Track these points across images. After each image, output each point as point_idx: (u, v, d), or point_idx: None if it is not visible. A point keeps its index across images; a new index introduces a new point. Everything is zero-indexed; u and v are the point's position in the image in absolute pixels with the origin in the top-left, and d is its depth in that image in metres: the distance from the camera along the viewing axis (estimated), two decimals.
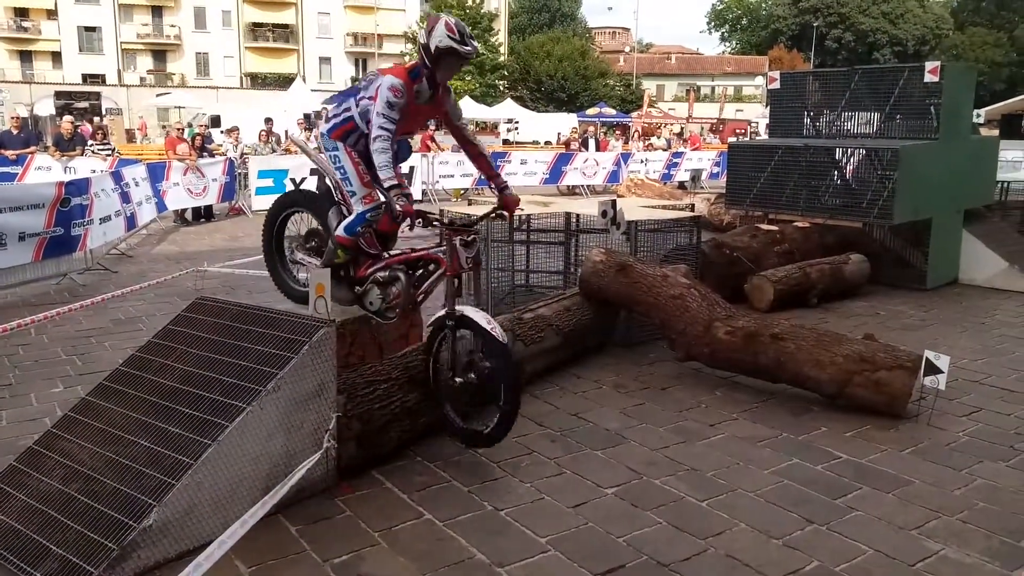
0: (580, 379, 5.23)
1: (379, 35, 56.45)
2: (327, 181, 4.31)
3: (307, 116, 25.69)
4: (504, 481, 3.70)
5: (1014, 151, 20.40)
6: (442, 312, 3.88)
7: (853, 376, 4.50)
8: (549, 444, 4.15)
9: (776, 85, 9.48)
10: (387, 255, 4.21)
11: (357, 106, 4.02)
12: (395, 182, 3.79)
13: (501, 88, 54.11)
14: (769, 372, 4.85)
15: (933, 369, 4.38)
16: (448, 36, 3.74)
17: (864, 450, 4.09)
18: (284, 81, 46.97)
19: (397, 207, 3.77)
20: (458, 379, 3.77)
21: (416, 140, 19.30)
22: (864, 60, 62.93)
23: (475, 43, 3.87)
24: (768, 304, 6.93)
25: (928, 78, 7.92)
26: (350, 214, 4.09)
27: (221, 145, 15.84)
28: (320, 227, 4.36)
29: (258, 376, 3.31)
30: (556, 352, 5.32)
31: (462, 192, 16.54)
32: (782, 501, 3.54)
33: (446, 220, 4.26)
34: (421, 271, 4.12)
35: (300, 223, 4.63)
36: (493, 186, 4.39)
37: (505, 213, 4.43)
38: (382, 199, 4.01)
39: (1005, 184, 12.29)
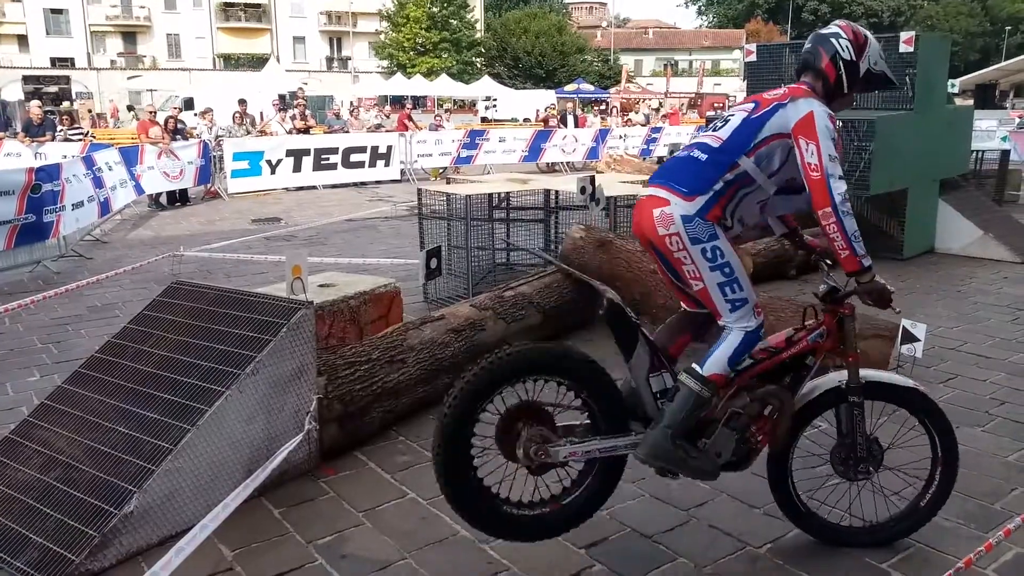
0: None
1: (353, 13, 55.75)
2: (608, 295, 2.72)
3: (282, 97, 25.38)
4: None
5: (988, 120, 20.59)
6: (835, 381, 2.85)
7: None
8: None
9: (753, 58, 9.46)
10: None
11: (750, 156, 2.60)
12: (870, 262, 2.61)
13: (478, 65, 53.73)
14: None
15: (910, 337, 4.42)
16: (882, 59, 2.77)
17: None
18: (258, 62, 46.33)
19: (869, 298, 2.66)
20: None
21: (393, 119, 19.17)
22: None
23: None
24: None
25: (903, 48, 7.93)
26: (715, 335, 2.68)
27: (195, 128, 15.61)
28: (586, 400, 2.67)
29: (236, 360, 3.28)
30: (538, 329, 5.31)
31: (441, 171, 16.44)
32: (763, 470, 3.57)
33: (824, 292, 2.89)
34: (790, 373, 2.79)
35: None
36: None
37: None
38: None
39: (980, 153, 12.42)
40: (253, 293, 3.77)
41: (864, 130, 7.64)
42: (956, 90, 24.67)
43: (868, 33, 2.76)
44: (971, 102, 24.04)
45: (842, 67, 2.68)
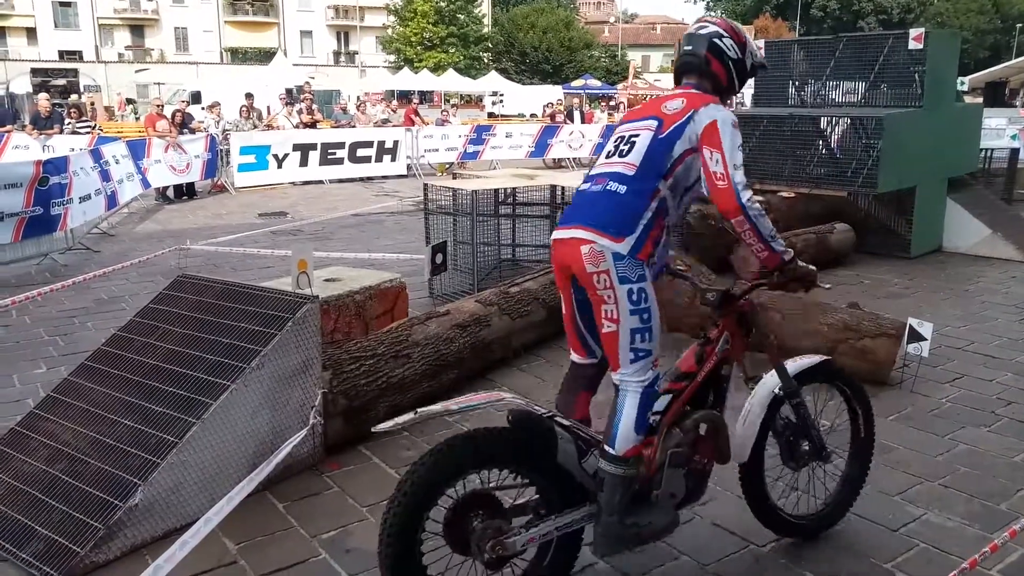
0: (567, 351, 5.22)
1: (361, 8, 55.70)
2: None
3: (288, 91, 25.37)
4: None
5: (997, 119, 20.44)
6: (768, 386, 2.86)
7: (838, 344, 4.52)
8: None
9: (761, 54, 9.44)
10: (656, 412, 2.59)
11: (668, 179, 2.49)
12: (790, 252, 2.58)
13: (485, 60, 53.64)
14: (755, 342, 4.85)
15: (916, 336, 4.41)
16: (759, 50, 2.79)
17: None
18: (265, 55, 46.31)
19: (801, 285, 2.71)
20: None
21: (400, 114, 19.16)
22: (849, 28, 62.69)
23: None
24: (754, 274, 6.93)
25: (912, 45, 7.89)
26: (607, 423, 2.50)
27: (203, 122, 15.62)
28: (535, 481, 2.49)
29: (242, 353, 3.29)
30: (543, 325, 5.31)
31: (447, 166, 16.43)
32: (768, 469, 3.56)
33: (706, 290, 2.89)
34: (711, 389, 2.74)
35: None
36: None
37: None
38: None
39: (989, 152, 12.34)
40: (259, 287, 3.78)
41: (872, 128, 7.60)
42: (965, 88, 24.52)
43: (738, 26, 2.72)
44: (980, 100, 23.89)
45: (732, 67, 2.65)
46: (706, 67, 2.63)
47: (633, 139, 2.53)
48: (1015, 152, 12.47)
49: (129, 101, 32.30)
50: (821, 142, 8.43)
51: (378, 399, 3.82)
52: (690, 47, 2.66)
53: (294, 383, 3.41)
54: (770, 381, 2.84)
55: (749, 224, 2.43)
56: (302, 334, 3.42)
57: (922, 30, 8.03)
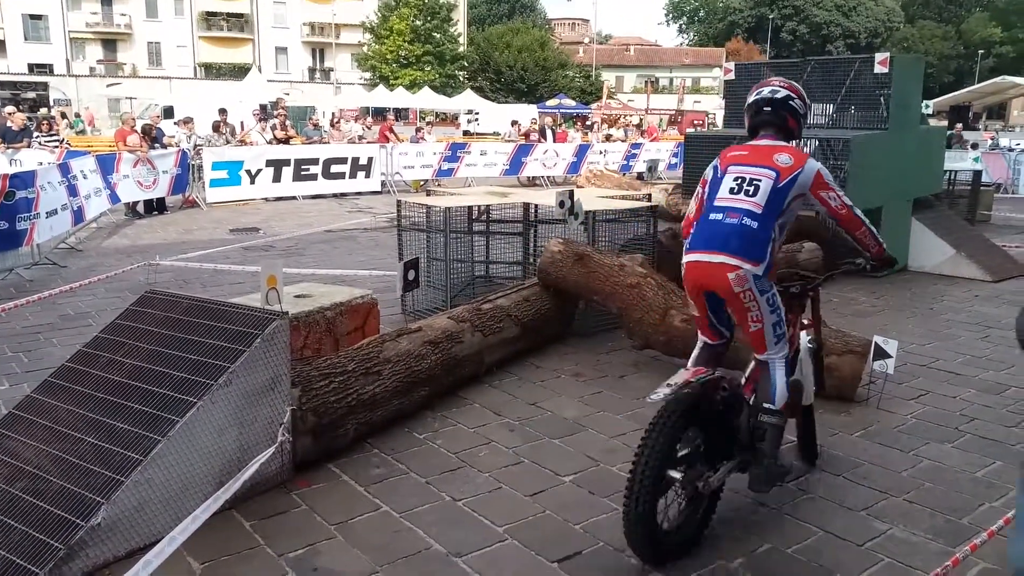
0: (539, 368, 5.25)
1: (336, 25, 55.77)
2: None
3: (263, 107, 25.28)
4: (462, 472, 3.70)
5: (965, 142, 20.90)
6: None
7: None
8: (508, 433, 4.15)
9: (731, 76, 9.59)
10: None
11: (780, 217, 3.13)
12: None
13: (461, 79, 53.91)
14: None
15: (882, 354, 4.47)
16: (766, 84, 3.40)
17: (817, 433, 4.17)
18: (239, 71, 46.14)
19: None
20: None
21: (375, 131, 19.16)
22: (818, 52, 64.08)
23: None
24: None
25: (878, 69, 8.08)
26: (765, 386, 3.20)
27: (174, 136, 15.50)
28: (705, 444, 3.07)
29: (209, 370, 3.25)
30: (515, 342, 5.32)
31: (422, 184, 16.44)
32: (736, 484, 3.59)
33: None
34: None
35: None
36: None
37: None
38: None
39: (952, 174, 12.62)
40: (227, 303, 3.74)
41: (840, 149, 7.75)
42: (930, 111, 25.12)
43: (796, 84, 3.37)
44: (945, 123, 24.45)
45: (800, 120, 3.37)
46: (783, 124, 3.31)
47: (756, 183, 3.14)
48: (978, 174, 12.77)
49: (75, 115, 31.27)
50: None
51: (348, 416, 3.79)
52: (770, 109, 3.31)
53: (262, 400, 3.38)
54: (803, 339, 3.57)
55: (867, 230, 3.29)
56: (271, 351, 3.39)
57: (887, 55, 8.22)
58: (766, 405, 3.13)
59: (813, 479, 3.67)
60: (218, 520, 3.03)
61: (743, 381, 3.32)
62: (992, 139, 21.97)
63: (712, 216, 3.15)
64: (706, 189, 3.28)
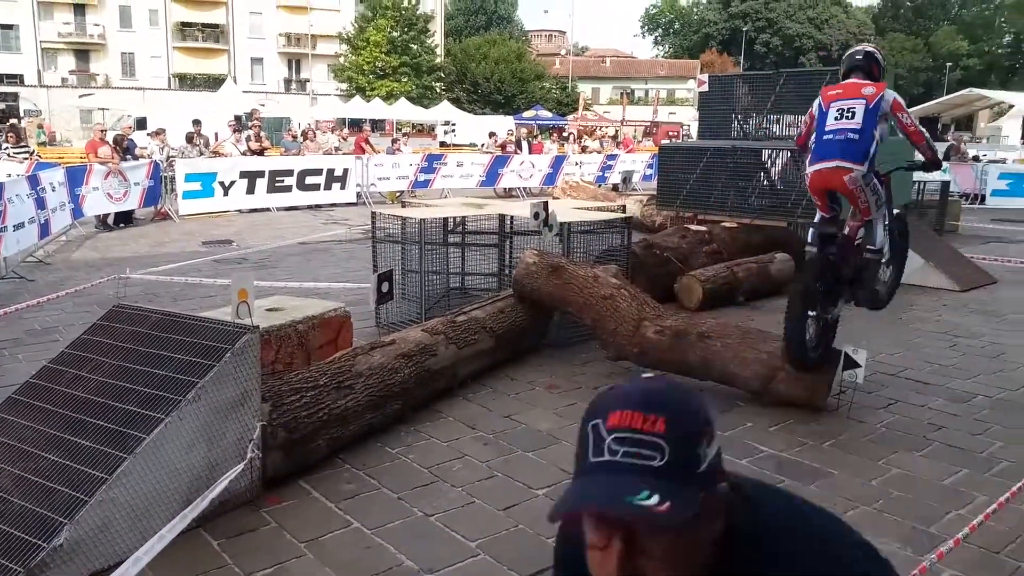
0: (514, 381, 5.24)
1: (313, 36, 55.63)
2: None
3: (238, 118, 25.10)
4: (435, 486, 3.68)
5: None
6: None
7: (777, 372, 4.62)
8: (481, 447, 4.14)
9: (705, 88, 9.70)
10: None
11: (876, 129, 4.41)
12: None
13: (438, 90, 53.96)
14: (697, 370, 4.93)
15: (852, 363, 4.52)
16: None
17: (787, 444, 4.21)
18: (214, 82, 45.82)
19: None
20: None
21: (351, 142, 19.12)
22: (791, 64, 64.98)
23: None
24: (697, 303, 7.07)
25: None
26: (869, 237, 4.69)
27: (147, 148, 15.35)
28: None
29: (178, 385, 3.21)
30: (490, 354, 5.31)
31: (397, 195, 16.41)
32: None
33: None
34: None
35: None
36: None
37: None
38: None
39: (921, 184, 12.83)
40: (197, 317, 3.70)
41: None
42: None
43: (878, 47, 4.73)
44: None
45: (882, 68, 4.63)
46: (869, 69, 4.58)
47: (853, 110, 4.37)
48: (946, 185, 12.99)
49: (39, 127, 30.51)
50: (763, 174, 8.67)
51: (319, 431, 3.76)
52: (861, 57, 4.62)
53: (232, 416, 3.34)
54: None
55: (927, 144, 4.53)
56: (241, 365, 3.35)
57: None
58: (870, 247, 4.64)
59: (782, 488, 3.69)
60: (185, 539, 2.98)
61: (847, 233, 4.67)
62: (948, 150, 22.35)
63: (826, 137, 4.41)
64: (814, 120, 4.57)
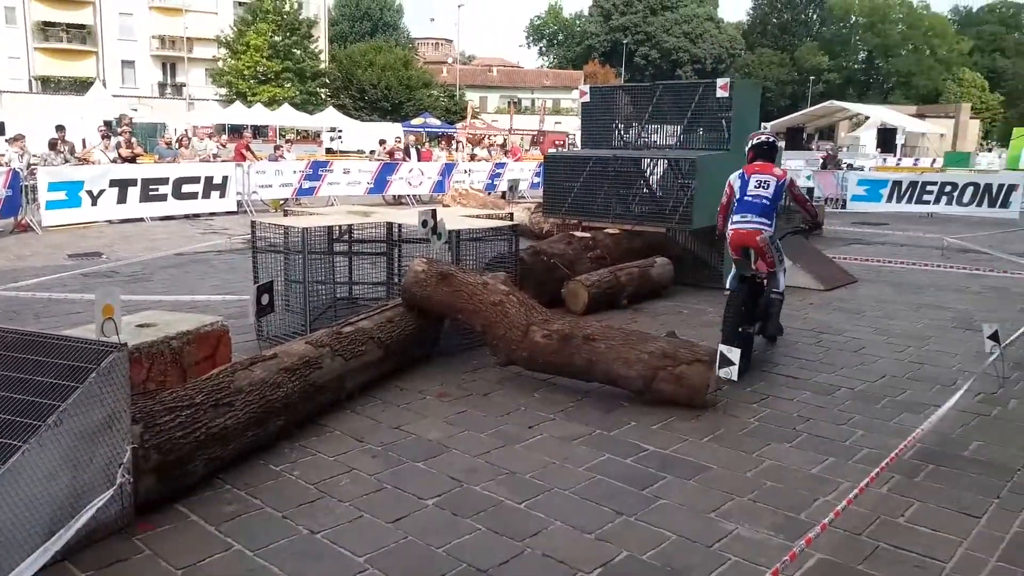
0: (404, 391, 5.19)
1: (189, 39, 53.36)
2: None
3: (107, 123, 23.72)
4: (321, 502, 3.59)
5: (796, 160, 22.67)
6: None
7: (658, 372, 4.78)
8: (369, 460, 4.07)
9: (587, 99, 9.93)
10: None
11: (779, 201, 5.78)
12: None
13: (323, 96, 52.91)
14: (583, 372, 5.05)
15: (727, 361, 4.74)
16: None
17: (669, 441, 4.37)
18: (81, 85, 43.20)
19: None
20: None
21: (230, 148, 18.45)
22: (669, 76, 67.73)
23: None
24: (583, 307, 7.24)
25: (720, 93, 8.62)
26: (773, 283, 5.83)
27: (4, 155, 14.28)
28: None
29: (37, 410, 2.99)
30: (379, 365, 5.24)
31: (281, 203, 15.96)
32: (595, 496, 3.70)
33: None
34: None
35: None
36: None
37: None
38: None
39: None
40: (58, 335, 3.47)
41: (687, 169, 8.19)
42: (769, 132, 27.06)
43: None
44: (782, 144, 26.29)
45: (777, 155, 6.20)
46: (772, 154, 6.04)
47: (767, 183, 5.72)
48: (810, 191, 13.85)
49: None
50: (642, 182, 8.97)
51: (196, 452, 3.59)
52: (767, 147, 6.01)
53: (99, 440, 3.14)
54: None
55: (811, 207, 6.46)
56: (108, 386, 3.16)
57: (728, 80, 8.79)
58: (775, 290, 5.76)
59: (666, 485, 3.82)
60: (48, 574, 2.78)
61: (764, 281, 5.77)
62: (824, 158, 23.92)
63: (747, 198, 5.70)
64: (736, 188, 5.80)
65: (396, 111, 52.75)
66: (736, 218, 5.70)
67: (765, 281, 5.78)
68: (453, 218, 7.18)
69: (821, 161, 22.78)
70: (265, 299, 5.54)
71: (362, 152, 31.77)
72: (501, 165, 21.84)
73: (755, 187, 5.70)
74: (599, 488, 3.78)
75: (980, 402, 5.09)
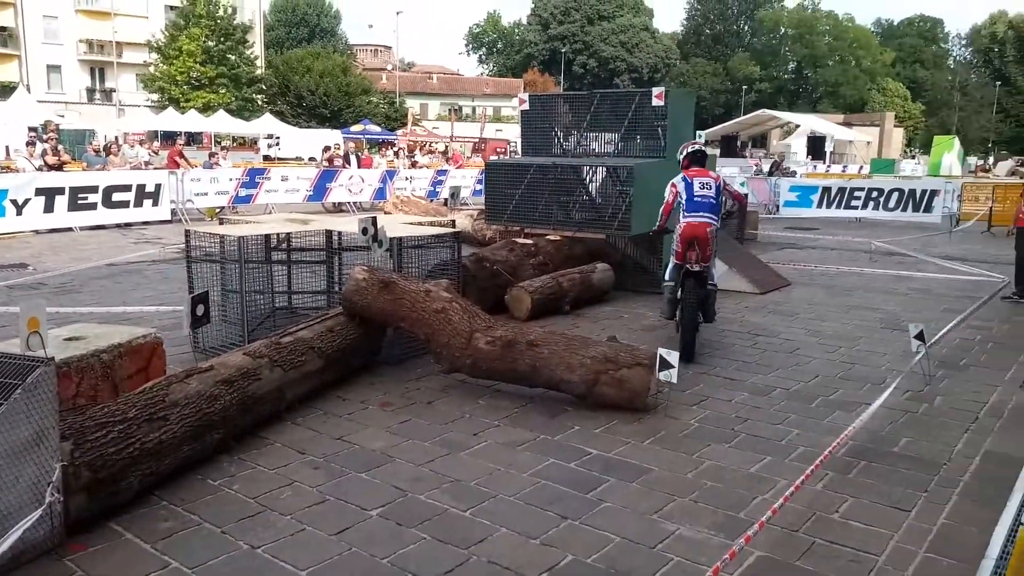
0: (345, 401, 5.13)
1: (118, 43, 51.80)
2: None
3: (32, 129, 22.85)
4: (262, 516, 3.52)
5: (731, 167, 23.26)
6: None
7: (600, 376, 4.84)
8: (311, 472, 4.01)
9: (526, 107, 9.99)
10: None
11: (721, 199, 6.57)
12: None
13: (259, 102, 51.99)
14: (527, 378, 5.07)
15: (666, 364, 4.82)
16: None
17: (612, 444, 4.42)
18: (4, 90, 41.44)
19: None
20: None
21: (163, 155, 17.97)
22: (607, 84, 68.66)
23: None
24: (527, 313, 7.27)
25: (655, 102, 8.79)
26: (710, 276, 6.51)
27: None
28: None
29: None
30: (319, 375, 5.16)
31: (217, 211, 15.60)
32: (540, 501, 3.71)
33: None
34: None
35: None
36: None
37: None
38: None
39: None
40: None
41: (625, 176, 8.32)
42: (703, 140, 27.70)
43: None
44: (717, 151, 26.98)
45: (705, 161, 6.85)
46: (703, 161, 6.75)
47: (710, 184, 6.42)
48: (744, 197, 14.18)
49: None
50: (582, 189, 9.07)
51: (130, 468, 3.48)
52: (700, 155, 6.77)
53: (26, 458, 3.02)
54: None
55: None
56: (34, 402, 3.04)
57: (663, 88, 8.96)
58: (711, 282, 6.43)
59: (609, 488, 3.86)
60: None
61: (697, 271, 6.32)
62: (756, 165, 24.60)
63: (696, 198, 6.33)
64: (682, 189, 6.38)
65: (335, 118, 52.19)
66: (688, 215, 6.30)
67: (704, 273, 6.40)
68: (395, 225, 7.13)
69: (770, 166, 23.41)
70: (200, 310, 5.41)
71: (301, 159, 31.31)
72: (443, 172, 21.79)
73: (700, 188, 6.38)
74: (544, 493, 3.80)
75: (908, 399, 5.29)
